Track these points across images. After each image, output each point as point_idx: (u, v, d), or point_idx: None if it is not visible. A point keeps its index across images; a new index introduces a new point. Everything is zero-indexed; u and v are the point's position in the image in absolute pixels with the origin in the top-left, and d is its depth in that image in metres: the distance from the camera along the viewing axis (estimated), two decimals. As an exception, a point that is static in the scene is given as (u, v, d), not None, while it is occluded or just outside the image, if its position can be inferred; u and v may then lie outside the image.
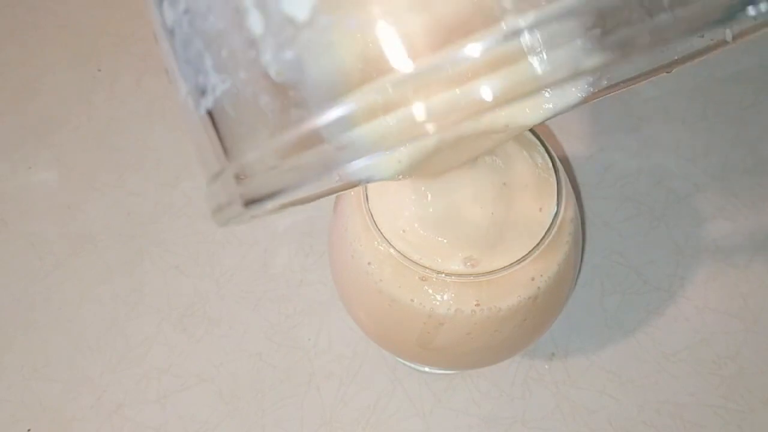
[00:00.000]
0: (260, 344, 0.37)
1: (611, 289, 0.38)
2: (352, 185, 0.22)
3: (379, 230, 0.26)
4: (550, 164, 0.27)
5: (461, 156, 0.22)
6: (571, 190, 0.28)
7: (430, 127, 0.12)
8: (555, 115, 0.19)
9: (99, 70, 0.47)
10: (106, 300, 0.39)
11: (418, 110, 0.12)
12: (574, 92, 0.19)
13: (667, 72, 0.20)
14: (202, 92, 0.16)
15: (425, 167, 0.21)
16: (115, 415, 0.35)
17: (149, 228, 0.41)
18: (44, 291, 0.39)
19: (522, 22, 0.12)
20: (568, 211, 0.27)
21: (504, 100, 0.12)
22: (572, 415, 0.35)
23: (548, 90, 0.19)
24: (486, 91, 0.12)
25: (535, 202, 0.27)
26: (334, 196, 0.32)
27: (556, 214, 0.26)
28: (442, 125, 0.12)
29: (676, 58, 0.19)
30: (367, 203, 0.27)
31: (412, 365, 0.36)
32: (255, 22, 0.15)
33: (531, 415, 0.35)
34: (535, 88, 0.12)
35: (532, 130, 0.28)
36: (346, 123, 0.13)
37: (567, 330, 0.37)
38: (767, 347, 0.36)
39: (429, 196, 0.27)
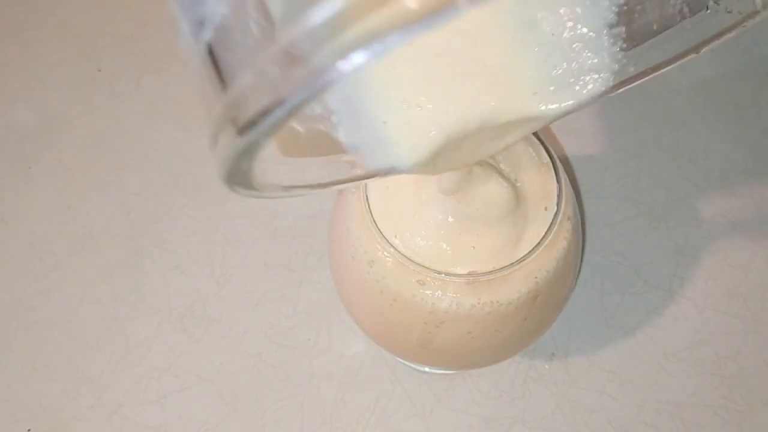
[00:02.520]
0: (260, 344, 0.37)
1: (611, 289, 0.38)
2: (374, 174, 0.22)
3: (379, 230, 0.26)
4: (550, 164, 0.28)
5: (483, 150, 0.22)
6: (570, 188, 0.28)
7: (416, 5, 0.12)
8: (581, 107, 0.19)
9: (99, 70, 0.47)
10: (106, 300, 0.39)
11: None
12: (600, 81, 0.19)
13: (696, 53, 0.19)
14: (201, 23, 0.15)
15: (446, 160, 0.21)
16: (115, 415, 0.35)
17: (149, 228, 0.41)
18: (44, 291, 0.39)
19: None
20: (568, 207, 0.27)
21: None
22: (572, 415, 0.35)
23: (575, 80, 0.19)
24: None
25: (542, 201, 0.27)
26: (334, 195, 0.32)
27: (556, 213, 0.26)
28: (432, 7, 0.11)
29: (704, 37, 0.19)
30: (368, 203, 0.27)
31: (412, 365, 0.36)
32: None
33: (531, 415, 0.35)
34: None
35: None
36: (334, 24, 0.12)
37: (567, 330, 0.37)
38: (767, 347, 0.36)
39: (434, 200, 0.27)
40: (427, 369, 0.35)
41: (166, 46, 0.48)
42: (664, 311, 0.38)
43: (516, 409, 0.35)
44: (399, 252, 0.26)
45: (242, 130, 0.14)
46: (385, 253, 0.26)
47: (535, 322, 0.28)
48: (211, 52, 0.15)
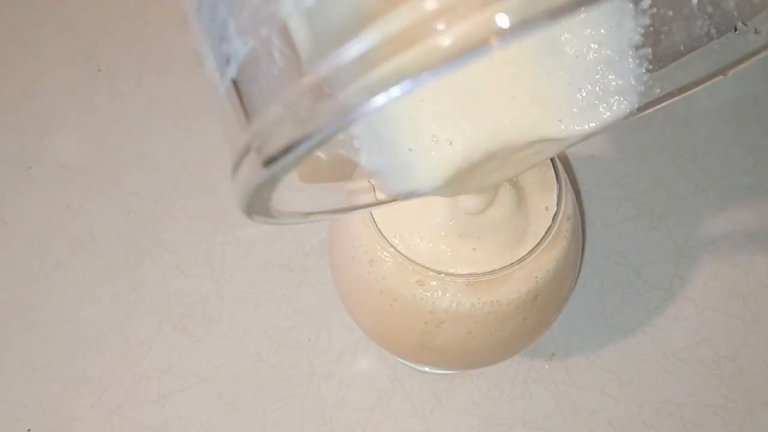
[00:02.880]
0: (260, 344, 0.37)
1: (611, 289, 0.38)
2: (393, 199, 0.22)
3: (379, 230, 0.26)
4: (550, 164, 0.28)
5: (505, 172, 0.22)
6: (570, 188, 0.28)
7: (448, 44, 0.12)
8: (606, 129, 0.19)
9: (99, 70, 0.47)
10: (106, 300, 0.39)
11: (442, 36, 0.12)
12: (625, 103, 0.19)
13: (724, 75, 0.19)
14: (227, 61, 0.16)
15: (467, 182, 0.20)
16: (115, 415, 0.35)
17: (149, 228, 0.41)
18: (44, 291, 0.39)
19: None
20: (568, 207, 0.27)
21: (520, 24, 0.11)
22: (572, 415, 0.35)
23: (600, 102, 0.19)
24: (502, 18, 0.11)
25: (542, 201, 0.27)
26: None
27: (556, 213, 0.26)
28: (464, 47, 0.12)
29: (732, 59, 0.19)
30: (368, 203, 0.27)
31: (412, 365, 0.36)
32: None
33: (531, 415, 0.35)
34: (550, 16, 0.12)
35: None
36: (364, 61, 0.13)
37: (567, 330, 0.37)
38: (767, 347, 0.36)
39: (433, 202, 0.27)
40: (427, 369, 0.35)
41: (166, 46, 0.48)
42: (664, 311, 0.38)
43: (516, 409, 0.35)
44: (399, 252, 0.26)
45: (268, 162, 0.15)
46: (385, 253, 0.26)
47: (535, 322, 0.28)
48: (236, 85, 0.16)
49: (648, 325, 0.37)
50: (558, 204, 0.27)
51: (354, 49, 0.13)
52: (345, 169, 0.21)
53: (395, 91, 0.12)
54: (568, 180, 0.28)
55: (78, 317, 0.38)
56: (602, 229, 0.40)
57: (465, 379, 0.36)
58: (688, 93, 0.20)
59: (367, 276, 0.27)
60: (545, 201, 0.27)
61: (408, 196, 0.20)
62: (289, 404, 0.35)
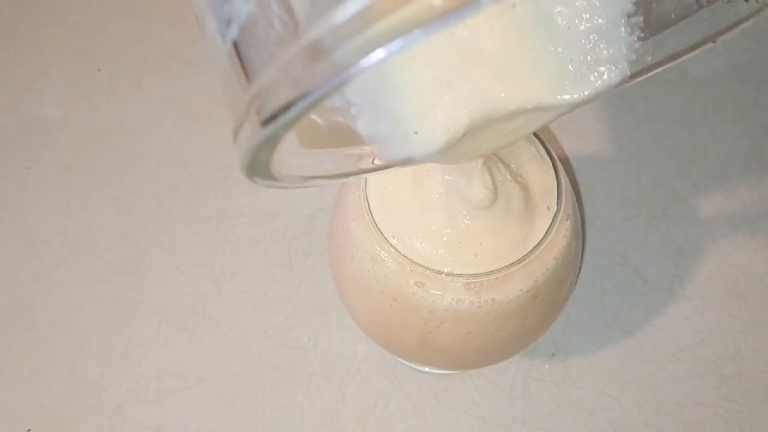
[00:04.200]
0: (260, 344, 0.37)
1: (611, 289, 0.38)
2: (391, 165, 0.22)
3: (379, 230, 0.26)
4: (550, 163, 0.28)
5: (496, 140, 0.22)
6: (570, 188, 0.28)
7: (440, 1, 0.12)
8: (598, 96, 0.19)
9: (99, 70, 0.47)
10: (106, 300, 0.39)
11: None
12: (616, 71, 0.19)
13: (713, 43, 0.19)
14: (228, 22, 0.16)
15: (462, 149, 0.21)
16: (115, 415, 0.35)
17: (149, 228, 0.41)
18: (44, 291, 0.39)
19: None
20: (567, 206, 0.27)
21: None
22: (572, 415, 0.35)
23: (591, 71, 0.19)
24: None
25: (544, 201, 0.27)
26: (335, 194, 0.32)
27: (556, 213, 0.26)
28: (455, 5, 0.12)
29: (722, 26, 0.19)
30: (368, 203, 0.27)
31: (412, 365, 0.36)
32: None
33: (531, 415, 0.35)
34: None
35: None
36: (359, 20, 0.13)
37: (567, 330, 0.37)
38: (767, 347, 0.36)
39: (430, 207, 0.27)
40: (427, 369, 0.35)
41: (166, 46, 0.48)
42: (664, 311, 0.38)
43: (516, 409, 0.35)
44: (399, 252, 0.26)
45: (266, 122, 0.15)
46: (385, 253, 0.26)
47: (535, 322, 0.28)
48: (236, 49, 0.16)
49: (648, 325, 0.37)
50: (558, 204, 0.27)
51: (347, 9, 0.13)
52: (344, 136, 0.21)
53: (388, 48, 0.12)
54: (567, 180, 0.28)
55: (78, 317, 0.38)
56: (602, 229, 0.40)
57: (465, 379, 0.36)
58: (680, 60, 0.20)
59: (367, 276, 0.27)
60: (547, 201, 0.27)
61: (406, 162, 0.20)
62: (289, 404, 0.35)
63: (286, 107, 0.14)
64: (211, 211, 0.41)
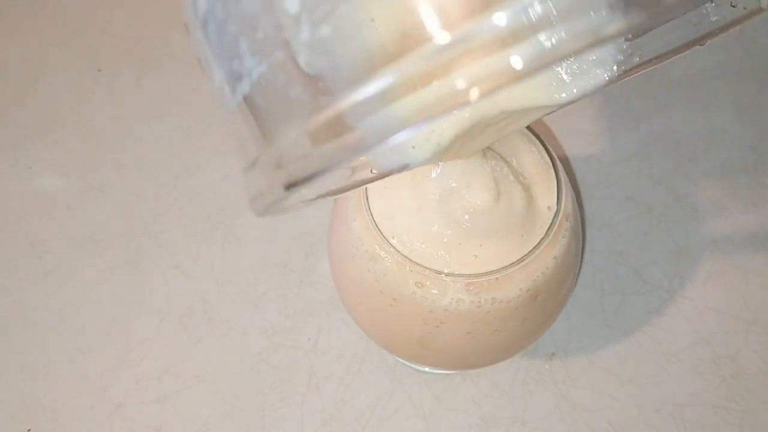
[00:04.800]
0: (260, 344, 0.37)
1: (611, 289, 0.38)
2: (387, 174, 0.22)
3: (379, 231, 0.26)
4: (550, 163, 0.28)
5: (484, 139, 0.22)
6: (570, 188, 0.28)
7: (472, 94, 0.12)
8: (586, 96, 0.19)
9: (99, 70, 0.47)
10: (106, 300, 0.39)
11: (458, 78, 0.12)
12: (604, 71, 0.19)
13: (701, 45, 0.20)
14: (239, 77, 0.16)
15: (454, 152, 0.21)
16: (115, 415, 0.35)
17: (149, 228, 0.41)
18: (44, 291, 0.39)
19: None
20: (567, 206, 0.27)
21: (533, 68, 0.12)
22: (572, 415, 0.35)
23: (578, 68, 0.19)
24: (516, 60, 0.12)
25: (545, 201, 0.27)
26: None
27: (556, 213, 0.26)
28: (483, 91, 0.12)
29: (709, 29, 0.19)
30: (368, 203, 0.27)
31: (412, 365, 0.36)
32: (290, 1, 0.15)
33: (531, 415, 0.35)
34: (559, 57, 0.12)
35: (532, 131, 0.28)
36: (382, 98, 0.13)
37: (567, 330, 0.37)
38: (767, 347, 0.36)
39: (429, 209, 0.27)
40: (427, 369, 0.35)
41: (166, 46, 0.48)
42: (664, 311, 0.38)
43: (516, 408, 0.35)
44: (399, 252, 0.26)
45: (289, 187, 0.15)
46: (385, 253, 0.26)
47: (535, 322, 0.28)
48: (249, 99, 0.16)
49: (648, 325, 0.37)
50: (558, 203, 0.27)
51: (373, 86, 0.13)
52: None
53: (415, 129, 0.13)
54: (567, 180, 0.28)
55: (78, 317, 0.38)
56: (602, 229, 0.40)
57: (465, 379, 0.36)
58: (667, 61, 0.20)
59: (367, 276, 0.27)
60: (547, 201, 0.27)
61: (402, 169, 0.21)
62: (289, 404, 0.35)
63: (311, 177, 0.15)
64: (211, 211, 0.41)
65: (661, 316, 0.37)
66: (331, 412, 0.35)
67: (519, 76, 0.12)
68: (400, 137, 0.13)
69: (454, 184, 0.26)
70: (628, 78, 0.20)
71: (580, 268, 0.37)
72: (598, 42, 0.12)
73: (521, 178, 0.27)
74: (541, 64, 0.12)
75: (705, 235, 0.40)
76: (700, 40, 0.19)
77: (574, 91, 0.19)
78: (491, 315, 0.26)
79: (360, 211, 0.27)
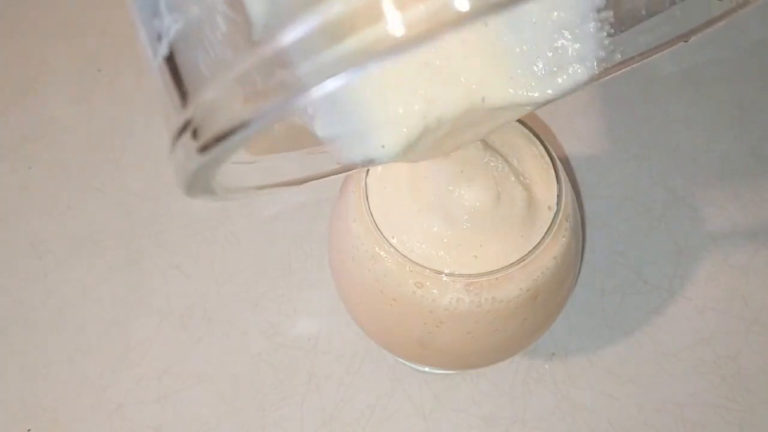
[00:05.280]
0: (260, 344, 0.37)
1: (611, 289, 0.38)
2: (351, 167, 0.21)
3: (379, 231, 0.26)
4: (550, 163, 0.28)
5: (464, 137, 0.21)
6: (570, 188, 0.28)
7: (401, 33, 0.11)
8: (567, 94, 0.19)
9: (99, 70, 0.47)
10: (106, 300, 0.39)
11: (395, 19, 0.11)
12: (584, 69, 0.19)
13: (685, 41, 0.19)
14: (158, 37, 0.15)
15: (426, 147, 0.20)
16: (115, 415, 0.35)
17: (149, 228, 0.41)
18: (44, 291, 0.39)
19: None
20: (567, 206, 0.27)
21: (480, 11, 0.11)
22: (572, 415, 0.35)
23: (556, 65, 0.18)
24: (461, 2, 0.11)
25: (545, 201, 0.27)
26: (334, 194, 0.32)
27: (556, 213, 0.26)
28: (419, 33, 0.11)
29: (694, 25, 0.19)
30: (368, 203, 0.27)
31: (412, 365, 0.36)
32: None
33: (531, 415, 0.35)
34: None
35: (532, 131, 0.28)
36: (314, 41, 0.12)
37: (567, 330, 0.37)
38: (767, 347, 0.36)
39: (428, 209, 0.26)
40: (427, 369, 0.35)
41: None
42: (664, 311, 0.38)
43: (516, 408, 0.35)
44: (399, 252, 0.26)
45: (203, 148, 0.14)
46: (385, 253, 0.26)
47: (535, 322, 0.28)
48: (171, 59, 0.15)
49: (648, 325, 0.37)
50: (558, 203, 0.27)
51: (312, 20, 0.12)
52: (299, 137, 0.20)
53: (355, 74, 0.11)
54: (567, 179, 0.28)
55: (78, 317, 0.38)
56: (602, 229, 0.40)
57: (465, 379, 0.36)
58: (650, 58, 0.20)
59: (367, 276, 0.27)
60: (548, 201, 0.27)
61: (365, 163, 0.20)
62: (289, 404, 0.35)
63: (228, 134, 0.13)
64: (211, 211, 0.41)
65: (661, 316, 0.37)
66: (331, 412, 0.35)
67: (462, 18, 0.11)
68: (337, 82, 0.11)
69: (454, 185, 0.26)
70: (610, 76, 0.20)
71: (580, 268, 0.37)
72: None
73: (521, 178, 0.27)
74: (490, 7, 0.11)
75: (705, 235, 0.40)
76: (685, 36, 0.19)
77: (550, 90, 0.19)
78: (491, 315, 0.26)
79: (360, 211, 0.27)
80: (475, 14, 0.11)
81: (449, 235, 0.26)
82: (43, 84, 0.46)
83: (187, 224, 0.41)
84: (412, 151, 0.19)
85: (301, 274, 0.39)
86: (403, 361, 0.36)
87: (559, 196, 0.27)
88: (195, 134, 0.14)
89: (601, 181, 0.42)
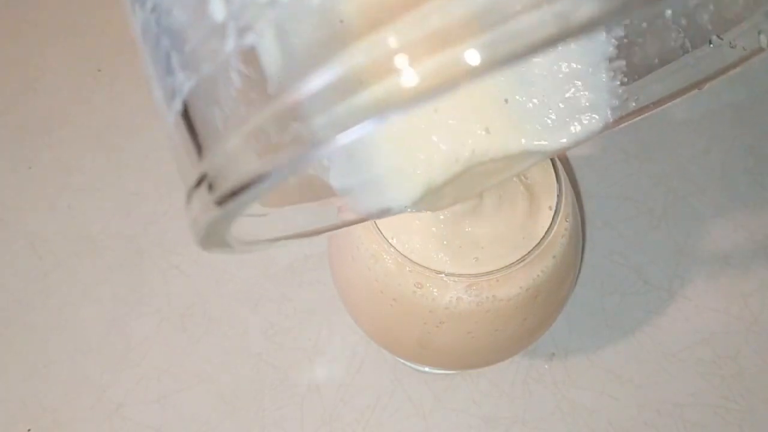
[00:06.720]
0: (260, 344, 0.37)
1: (611, 289, 0.38)
2: (366, 218, 0.21)
3: (380, 231, 0.26)
4: (551, 163, 0.28)
5: (482, 184, 0.21)
6: (570, 188, 0.28)
7: (418, 84, 0.11)
8: (578, 143, 0.18)
9: (99, 70, 0.47)
10: (106, 300, 0.39)
11: (408, 73, 0.11)
12: (598, 118, 0.18)
13: (699, 89, 0.19)
14: (172, 94, 0.15)
15: (444, 196, 0.20)
16: (115, 415, 0.35)
17: (149, 228, 0.41)
18: (44, 291, 0.39)
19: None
20: (567, 206, 0.27)
21: (491, 64, 0.11)
22: (572, 415, 0.35)
23: (569, 114, 0.18)
24: (473, 55, 0.11)
25: (546, 201, 0.27)
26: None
27: (556, 213, 0.26)
28: (432, 85, 0.11)
29: (708, 72, 0.18)
30: (368, 203, 0.27)
31: (412, 365, 0.36)
32: (216, 8, 0.14)
33: (531, 415, 0.35)
34: (522, 51, 0.11)
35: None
36: (329, 95, 0.12)
37: (567, 330, 0.37)
38: (767, 347, 0.36)
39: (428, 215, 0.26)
40: (427, 369, 0.35)
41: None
42: (664, 311, 0.38)
43: (516, 409, 0.35)
44: (399, 252, 0.26)
45: (219, 202, 0.14)
46: (385, 253, 0.26)
47: (535, 321, 0.28)
48: (186, 114, 0.15)
49: (648, 325, 0.37)
50: (558, 203, 0.27)
51: (328, 74, 0.12)
52: (315, 189, 0.20)
53: (370, 126, 0.11)
54: (567, 180, 0.28)
55: (78, 317, 0.38)
56: (602, 229, 0.40)
57: (465, 379, 0.36)
58: (664, 106, 0.19)
59: (367, 276, 0.27)
60: (549, 201, 0.27)
61: (381, 214, 0.19)
62: (289, 404, 0.35)
63: (245, 187, 0.13)
64: (211, 211, 0.41)
65: (661, 316, 0.37)
66: (331, 412, 0.35)
67: (474, 74, 0.11)
68: (353, 134, 0.11)
69: None
70: (625, 123, 0.19)
71: (580, 268, 0.37)
72: (568, 32, 0.11)
73: (522, 178, 0.27)
74: (501, 59, 0.11)
75: (705, 235, 0.40)
76: (699, 84, 0.19)
77: (564, 140, 0.18)
78: (491, 314, 0.26)
79: (360, 211, 0.27)
80: (486, 68, 0.11)
81: (450, 236, 0.26)
82: (43, 84, 0.46)
83: (187, 224, 0.41)
84: (428, 201, 0.19)
85: (301, 274, 0.39)
86: (403, 361, 0.36)
87: (559, 196, 0.27)
88: (210, 188, 0.14)
89: (601, 181, 0.42)
